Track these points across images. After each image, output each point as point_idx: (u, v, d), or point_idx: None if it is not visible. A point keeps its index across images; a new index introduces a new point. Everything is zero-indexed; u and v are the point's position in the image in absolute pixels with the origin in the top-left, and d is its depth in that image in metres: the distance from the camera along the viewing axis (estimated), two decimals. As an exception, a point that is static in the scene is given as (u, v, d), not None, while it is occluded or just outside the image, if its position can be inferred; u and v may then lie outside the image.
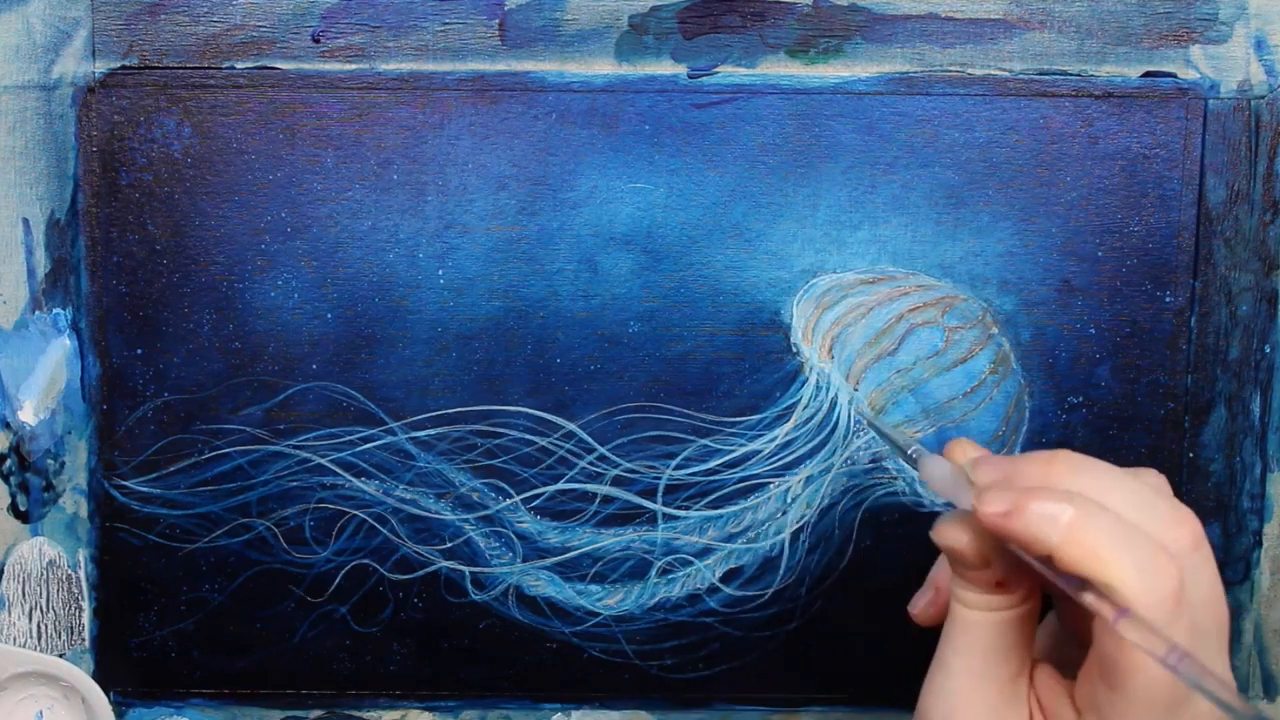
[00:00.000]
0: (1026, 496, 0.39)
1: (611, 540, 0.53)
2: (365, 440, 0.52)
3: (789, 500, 0.52)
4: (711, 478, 0.52)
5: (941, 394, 0.51)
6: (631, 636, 0.53)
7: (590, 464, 0.52)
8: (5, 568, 0.53)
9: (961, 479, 0.43)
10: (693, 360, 0.52)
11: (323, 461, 0.52)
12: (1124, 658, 0.38)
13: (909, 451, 0.46)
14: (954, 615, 0.43)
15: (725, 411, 0.52)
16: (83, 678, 0.53)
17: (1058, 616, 0.46)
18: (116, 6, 0.51)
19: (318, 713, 0.54)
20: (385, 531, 0.53)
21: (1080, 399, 0.52)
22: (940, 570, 0.47)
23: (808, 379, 0.52)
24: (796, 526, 0.52)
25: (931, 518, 0.52)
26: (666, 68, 0.51)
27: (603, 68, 0.51)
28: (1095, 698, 0.40)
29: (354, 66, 0.51)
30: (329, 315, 0.52)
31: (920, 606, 0.47)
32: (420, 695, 0.54)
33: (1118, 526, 0.38)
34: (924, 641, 0.54)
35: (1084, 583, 0.38)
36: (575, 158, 0.51)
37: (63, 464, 0.53)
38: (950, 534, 0.42)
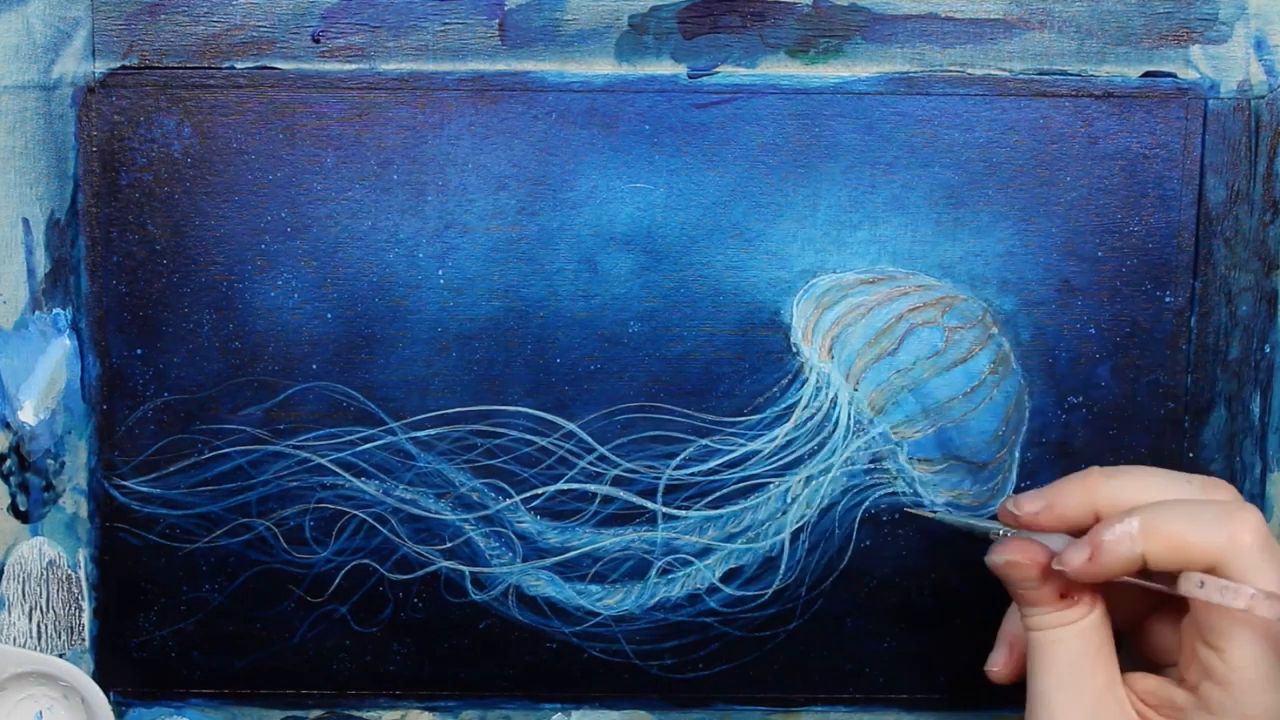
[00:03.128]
0: (1095, 534, 0.43)
1: (611, 540, 0.53)
2: (365, 440, 0.52)
3: (789, 500, 0.52)
4: (711, 478, 0.52)
5: (941, 394, 0.51)
6: (631, 636, 0.53)
7: (590, 464, 0.52)
8: (5, 568, 0.53)
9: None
10: (693, 360, 0.52)
11: (323, 461, 0.52)
12: (1224, 619, 0.41)
13: (992, 535, 0.48)
14: (1034, 646, 0.45)
15: (725, 411, 0.52)
16: (82, 678, 0.53)
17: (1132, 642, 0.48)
18: (116, 6, 0.51)
19: (318, 713, 0.54)
20: (385, 531, 0.53)
21: (1080, 399, 0.52)
22: (1010, 623, 0.49)
23: (808, 379, 0.52)
24: (796, 526, 0.52)
25: (932, 517, 0.52)
26: (666, 68, 0.51)
27: (603, 68, 0.51)
28: (1207, 667, 0.41)
29: (354, 66, 0.51)
30: (329, 315, 0.52)
31: (1000, 664, 0.48)
32: (420, 695, 0.54)
33: (1182, 507, 0.42)
34: (924, 641, 0.54)
35: (1174, 578, 0.41)
36: (575, 158, 0.51)
37: (63, 464, 0.53)
38: (1008, 555, 0.45)
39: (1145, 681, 0.44)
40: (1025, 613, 0.45)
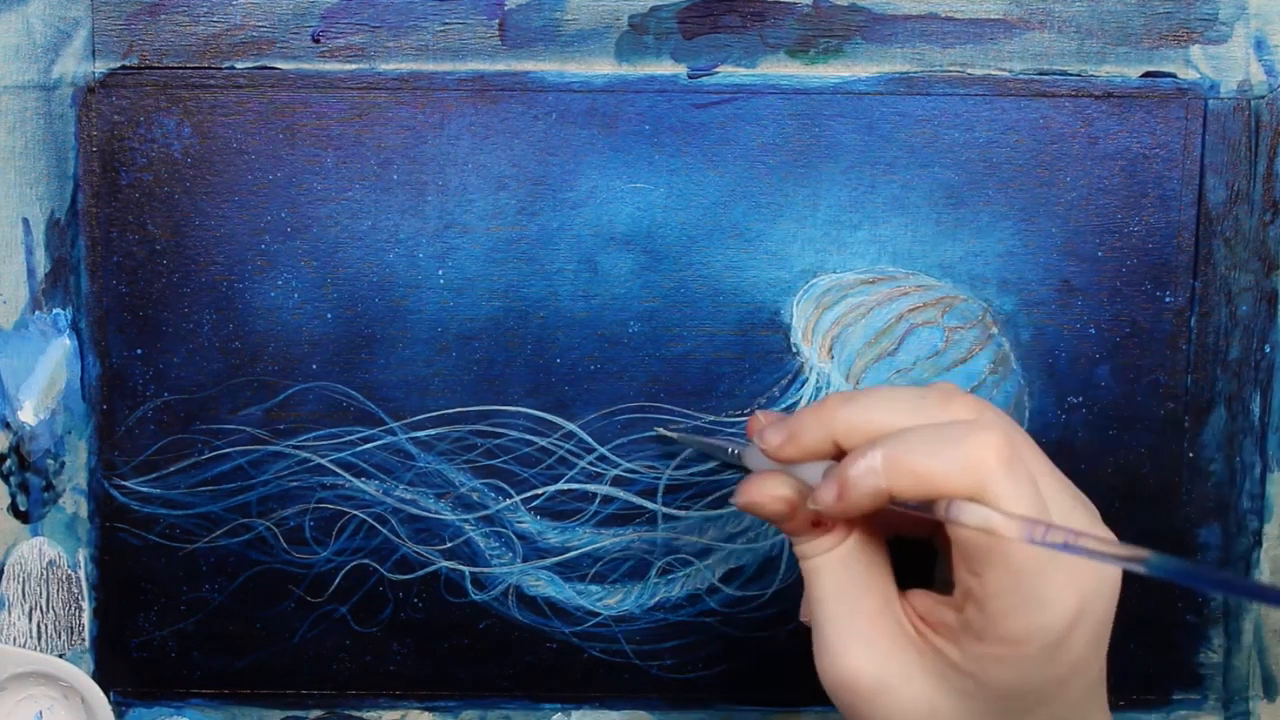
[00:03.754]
0: (842, 469, 0.41)
1: (611, 540, 0.53)
2: (365, 440, 0.52)
3: (789, 500, 0.52)
4: (711, 478, 0.52)
5: (941, 394, 0.51)
6: (631, 636, 0.53)
7: (590, 464, 0.52)
8: (5, 568, 0.53)
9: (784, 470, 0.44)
10: (693, 360, 0.52)
11: (323, 461, 0.52)
12: (978, 542, 0.39)
13: (730, 452, 0.47)
14: (804, 573, 0.44)
15: (725, 411, 0.52)
16: (82, 678, 0.53)
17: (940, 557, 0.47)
18: (116, 6, 0.51)
19: (318, 713, 0.54)
20: (385, 531, 0.53)
21: (1080, 399, 0.52)
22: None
23: (808, 379, 0.52)
24: (796, 526, 0.52)
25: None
26: (666, 68, 0.51)
27: (603, 68, 0.51)
28: (966, 588, 0.40)
29: (354, 66, 0.51)
30: (329, 315, 0.52)
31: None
32: (420, 695, 0.54)
33: (921, 436, 0.40)
34: (924, 641, 0.54)
35: (930, 503, 0.40)
36: (575, 158, 0.51)
37: (63, 464, 0.53)
38: (747, 496, 0.44)
39: (921, 600, 0.43)
40: (790, 542, 0.44)
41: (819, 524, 0.43)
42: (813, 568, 0.43)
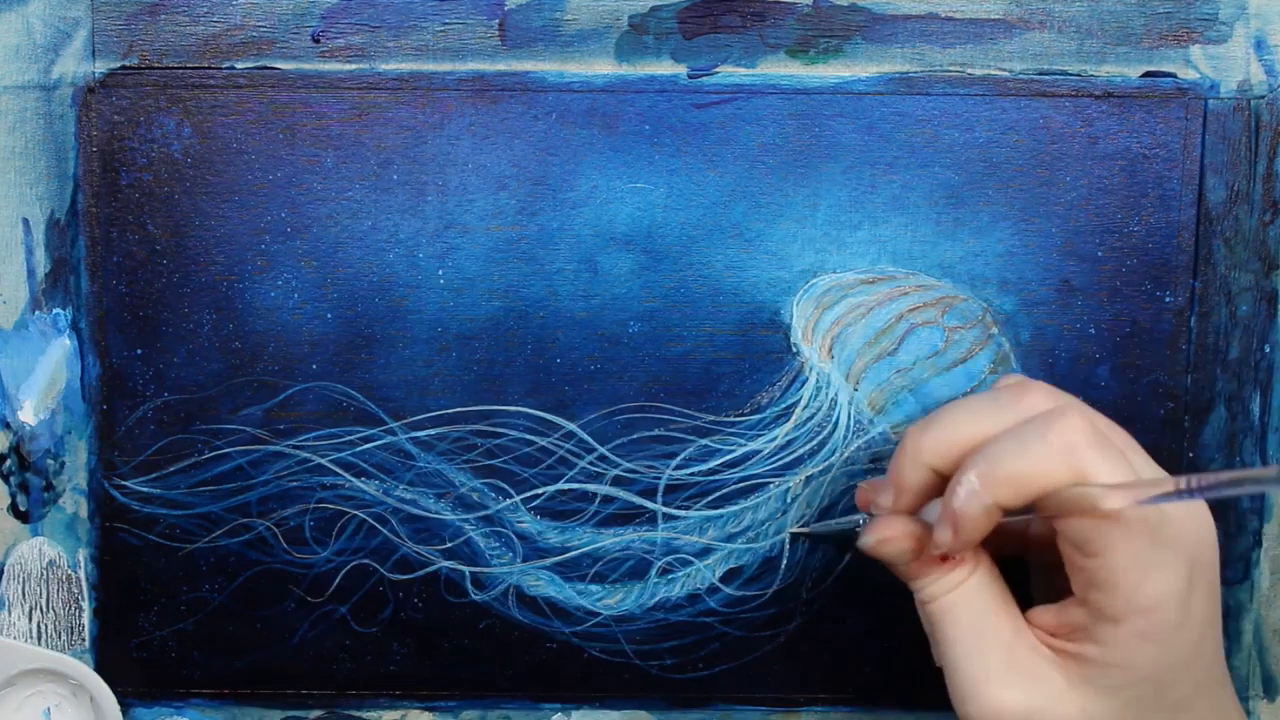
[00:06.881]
0: (946, 504, 0.42)
1: (611, 540, 0.53)
2: (365, 440, 0.52)
3: (789, 500, 0.52)
4: (711, 478, 0.52)
5: (941, 394, 0.51)
6: (631, 636, 0.53)
7: (590, 464, 0.52)
8: (5, 568, 0.53)
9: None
10: (693, 360, 0.52)
11: (323, 461, 0.52)
12: (1089, 525, 0.40)
13: (858, 525, 0.50)
14: (930, 618, 0.45)
15: (725, 411, 0.52)
16: (91, 676, 0.53)
17: (1033, 571, 0.48)
18: (116, 6, 0.51)
19: (318, 713, 0.54)
20: (385, 531, 0.53)
21: (1080, 399, 0.52)
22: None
23: (808, 379, 0.52)
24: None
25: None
26: (666, 68, 0.51)
27: (603, 68, 0.51)
28: (1089, 575, 0.41)
29: (354, 66, 0.51)
30: (329, 315, 0.52)
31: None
32: (420, 695, 0.54)
33: (1007, 443, 0.41)
34: (924, 641, 0.54)
35: (1030, 509, 0.41)
36: (575, 158, 0.51)
37: (63, 464, 0.53)
38: (879, 534, 0.45)
39: (1044, 615, 0.43)
40: (914, 588, 0.45)
41: (946, 559, 0.44)
42: (945, 606, 0.44)
